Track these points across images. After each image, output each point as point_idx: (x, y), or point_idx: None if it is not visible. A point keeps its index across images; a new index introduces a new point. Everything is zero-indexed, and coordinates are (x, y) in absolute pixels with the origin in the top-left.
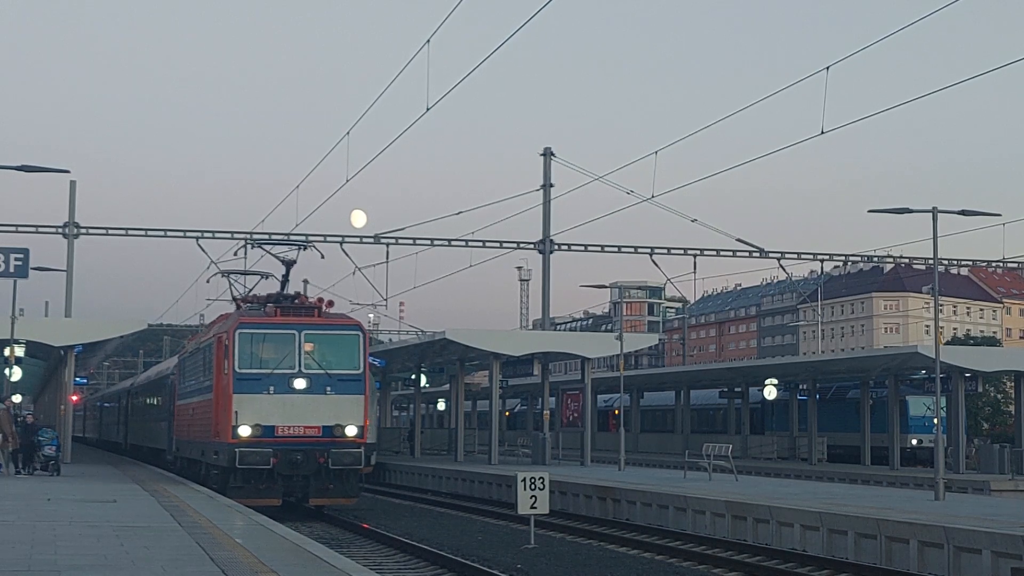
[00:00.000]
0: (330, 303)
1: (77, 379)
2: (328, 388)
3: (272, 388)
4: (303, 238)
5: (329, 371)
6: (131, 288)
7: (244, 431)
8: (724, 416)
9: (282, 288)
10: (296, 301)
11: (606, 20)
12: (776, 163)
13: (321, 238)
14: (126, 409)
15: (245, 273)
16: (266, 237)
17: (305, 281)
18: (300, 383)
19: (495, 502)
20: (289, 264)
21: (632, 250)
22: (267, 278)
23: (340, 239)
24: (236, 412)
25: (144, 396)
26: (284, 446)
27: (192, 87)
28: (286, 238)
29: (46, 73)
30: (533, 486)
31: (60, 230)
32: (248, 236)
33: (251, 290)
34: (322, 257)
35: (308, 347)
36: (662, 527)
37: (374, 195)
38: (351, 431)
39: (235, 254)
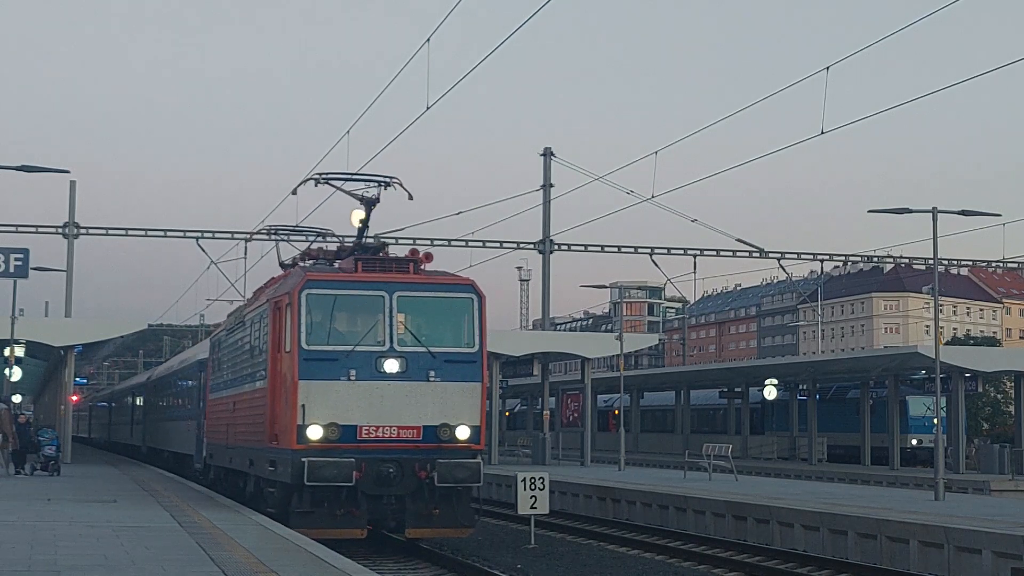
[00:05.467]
0: (428, 256)
1: (77, 379)
2: (432, 373)
3: (353, 373)
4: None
5: (433, 349)
6: (131, 288)
7: (314, 433)
8: (724, 416)
9: (360, 236)
10: (381, 253)
11: (606, 20)
12: (776, 163)
13: (321, 238)
14: (143, 406)
15: (297, 230)
16: (336, 174)
17: None
18: (392, 365)
19: (495, 502)
20: (370, 203)
21: (632, 250)
22: (325, 237)
23: (340, 239)
24: (303, 406)
25: (166, 390)
26: (371, 454)
27: (192, 87)
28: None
29: (46, 73)
30: (533, 486)
31: (60, 230)
32: (316, 177)
33: (311, 243)
34: (410, 198)
35: (402, 316)
36: (662, 527)
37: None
38: (464, 433)
39: (294, 192)
